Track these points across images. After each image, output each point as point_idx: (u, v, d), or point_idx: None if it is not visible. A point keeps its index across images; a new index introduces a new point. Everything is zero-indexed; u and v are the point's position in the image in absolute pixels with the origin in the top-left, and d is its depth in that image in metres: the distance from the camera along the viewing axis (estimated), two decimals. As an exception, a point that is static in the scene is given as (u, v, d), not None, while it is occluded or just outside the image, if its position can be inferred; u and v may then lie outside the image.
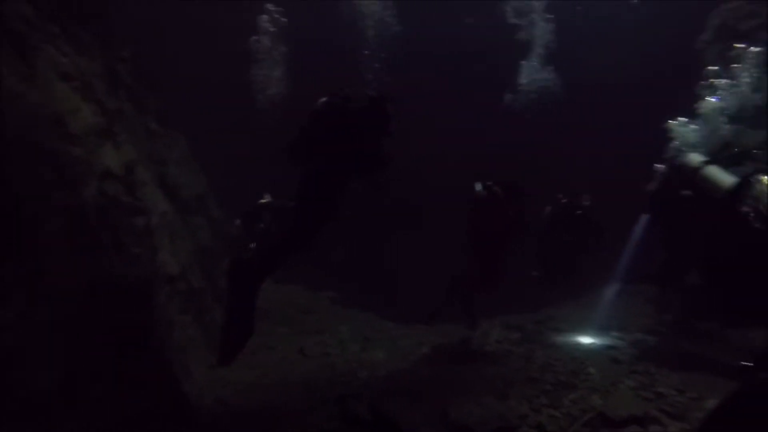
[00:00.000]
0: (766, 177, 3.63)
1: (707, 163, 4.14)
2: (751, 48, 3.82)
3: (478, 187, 5.30)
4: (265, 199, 6.79)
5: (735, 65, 4.12)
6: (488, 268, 5.43)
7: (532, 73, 6.96)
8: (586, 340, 5.74)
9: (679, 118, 4.55)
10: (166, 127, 5.76)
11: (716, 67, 4.26)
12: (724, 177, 3.95)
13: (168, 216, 4.42)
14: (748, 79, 3.66)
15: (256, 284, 3.66)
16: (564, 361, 4.86)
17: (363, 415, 3.49)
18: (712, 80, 4.09)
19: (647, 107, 4.91)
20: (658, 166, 5.07)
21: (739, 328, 4.89)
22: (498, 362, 4.93)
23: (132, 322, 3.04)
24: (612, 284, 6.21)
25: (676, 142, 4.61)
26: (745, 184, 3.70)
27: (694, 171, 4.18)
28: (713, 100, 4.06)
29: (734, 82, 3.88)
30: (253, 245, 5.62)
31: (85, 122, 2.81)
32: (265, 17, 6.35)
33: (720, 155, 4.08)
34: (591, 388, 4.14)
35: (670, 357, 4.84)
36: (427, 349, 5.58)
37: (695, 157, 4.26)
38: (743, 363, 3.19)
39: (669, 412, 3.60)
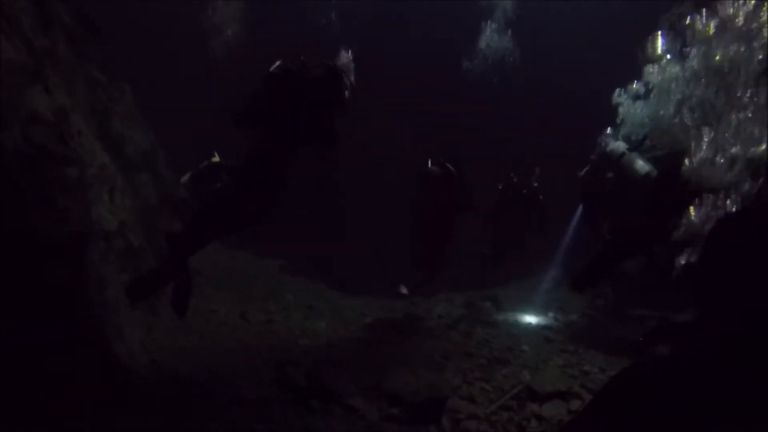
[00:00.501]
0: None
1: (629, 150, 4.50)
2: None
3: (430, 164, 5.34)
4: (216, 159, 6.57)
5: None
6: (433, 247, 5.52)
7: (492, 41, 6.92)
8: (524, 318, 5.99)
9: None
10: (112, 78, 5.43)
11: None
12: (640, 164, 4.34)
13: (107, 170, 4.19)
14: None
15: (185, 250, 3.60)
16: (501, 338, 5.06)
17: (299, 382, 3.50)
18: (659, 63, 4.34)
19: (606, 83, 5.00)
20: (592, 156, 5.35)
21: (671, 312, 5.21)
22: (438, 337, 5.06)
23: (58, 279, 2.89)
24: (551, 269, 6.44)
25: (621, 119, 4.89)
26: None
27: (618, 158, 4.53)
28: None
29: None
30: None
31: (6, 60, 2.58)
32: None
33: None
34: (523, 364, 4.33)
35: (598, 339, 5.13)
36: (369, 320, 5.65)
37: (619, 145, 4.62)
38: (636, 340, 3.43)
39: (590, 388, 3.81)
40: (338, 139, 3.88)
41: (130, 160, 5.33)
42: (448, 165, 5.33)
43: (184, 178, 6.63)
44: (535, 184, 6.40)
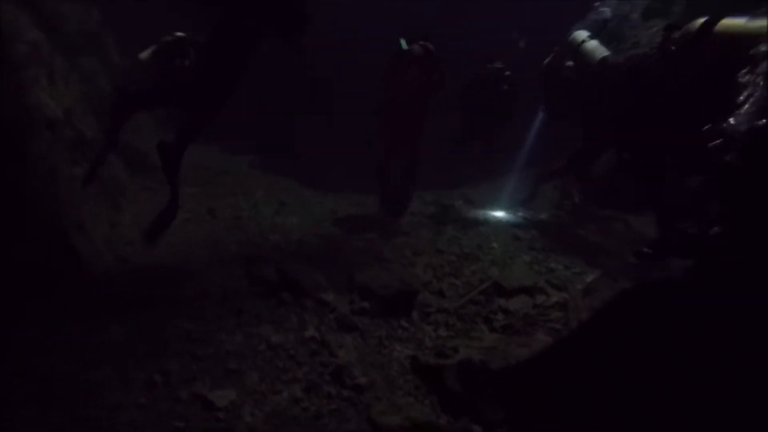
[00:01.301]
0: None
1: (590, 38, 4.60)
2: None
3: (404, 44, 4.99)
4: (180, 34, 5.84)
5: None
6: (404, 137, 5.34)
7: None
8: (494, 216, 6.05)
9: None
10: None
11: None
12: (598, 50, 4.44)
13: (42, 49, 3.72)
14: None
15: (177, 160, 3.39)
16: (471, 236, 5.11)
17: (268, 276, 3.48)
18: None
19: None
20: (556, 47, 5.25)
21: (635, 214, 5.33)
22: (409, 233, 5.07)
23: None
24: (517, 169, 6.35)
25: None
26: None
27: (578, 46, 4.62)
28: None
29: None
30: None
31: None
32: None
33: None
34: (491, 261, 4.41)
35: (565, 238, 5.25)
36: (341, 216, 5.60)
37: (581, 33, 4.72)
38: (642, 251, 3.48)
39: (554, 284, 3.94)
40: (307, 22, 3.48)
41: (71, 41, 4.76)
42: (427, 44, 5.03)
43: (144, 53, 5.84)
44: (507, 73, 6.00)
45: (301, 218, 5.28)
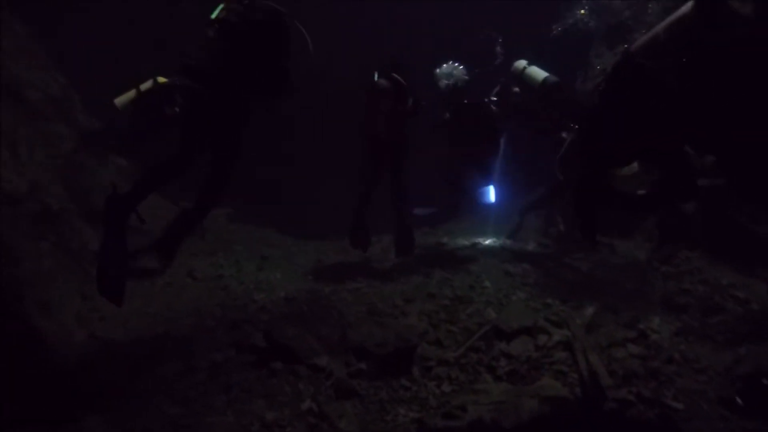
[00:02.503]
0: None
1: (529, 64, 5.15)
2: None
3: (378, 77, 5.01)
4: (162, 79, 5.59)
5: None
6: (397, 169, 5.30)
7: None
8: (482, 251, 5.95)
9: None
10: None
11: None
12: (538, 73, 5.00)
13: (2, 119, 3.56)
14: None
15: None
16: (461, 275, 4.99)
17: (257, 343, 3.28)
18: None
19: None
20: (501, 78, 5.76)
21: (622, 238, 5.31)
22: (398, 279, 4.92)
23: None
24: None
25: None
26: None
27: (521, 73, 5.18)
28: None
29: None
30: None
31: None
32: None
33: None
34: (486, 301, 4.28)
35: (557, 269, 5.18)
36: (326, 265, 5.44)
37: (521, 62, 5.24)
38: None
39: (554, 321, 3.82)
40: (292, 91, 3.48)
41: (34, 108, 4.60)
42: (395, 75, 5.05)
43: (122, 99, 5.44)
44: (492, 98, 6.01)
45: (285, 272, 5.09)
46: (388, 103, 4.96)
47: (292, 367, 3.01)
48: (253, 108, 3.44)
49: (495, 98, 5.77)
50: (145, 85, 5.44)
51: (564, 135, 5.34)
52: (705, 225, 4.49)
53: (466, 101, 5.72)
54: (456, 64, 5.71)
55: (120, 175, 6.75)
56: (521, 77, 5.23)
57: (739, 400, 2.39)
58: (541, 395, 2.83)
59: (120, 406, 2.73)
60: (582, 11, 6.86)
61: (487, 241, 6.44)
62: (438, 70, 5.70)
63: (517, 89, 5.52)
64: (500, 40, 6.13)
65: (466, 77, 5.69)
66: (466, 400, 2.81)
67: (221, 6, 3.36)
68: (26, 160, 3.88)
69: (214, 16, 3.33)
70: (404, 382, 3.05)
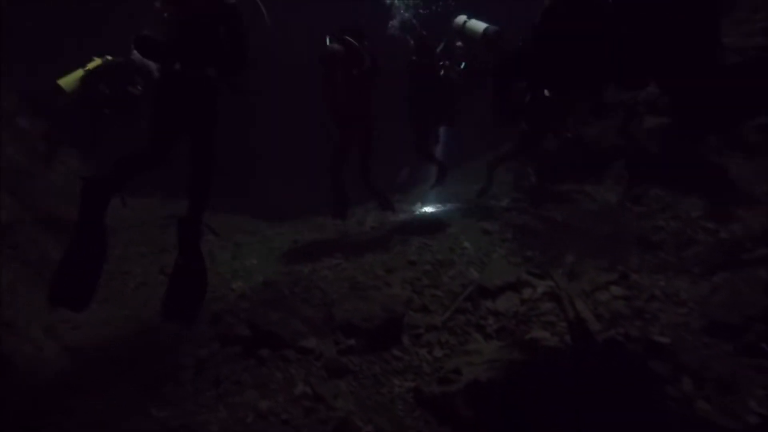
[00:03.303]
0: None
1: (469, 17, 5.25)
2: None
3: (330, 42, 4.82)
4: (110, 58, 5.21)
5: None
6: (359, 135, 5.17)
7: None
8: (459, 213, 5.94)
9: None
10: None
11: None
12: (478, 25, 5.12)
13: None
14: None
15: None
16: (440, 239, 4.96)
17: (241, 333, 3.19)
18: None
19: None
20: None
21: (592, 183, 5.35)
22: (376, 250, 4.87)
23: None
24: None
25: None
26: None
27: (462, 27, 5.26)
28: None
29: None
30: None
31: None
32: None
33: None
34: (467, 262, 4.28)
35: (533, 222, 5.21)
36: (302, 245, 5.33)
37: (460, 17, 5.31)
38: None
39: (536, 273, 3.84)
40: (251, 64, 3.28)
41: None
42: (348, 38, 4.88)
43: (67, 79, 4.97)
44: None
45: (261, 257, 4.96)
46: (340, 67, 4.78)
47: (280, 352, 2.94)
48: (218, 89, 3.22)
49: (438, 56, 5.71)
50: (93, 64, 5.12)
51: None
52: (670, 161, 4.57)
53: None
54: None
55: (73, 177, 6.41)
56: (463, 31, 5.32)
57: (765, 347, 2.47)
58: (532, 348, 2.85)
59: (104, 415, 2.61)
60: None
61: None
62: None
63: (459, 44, 5.60)
64: None
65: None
66: (459, 362, 2.81)
67: None
68: (-35, 172, 3.59)
69: None
70: (396, 353, 3.03)
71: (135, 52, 4.97)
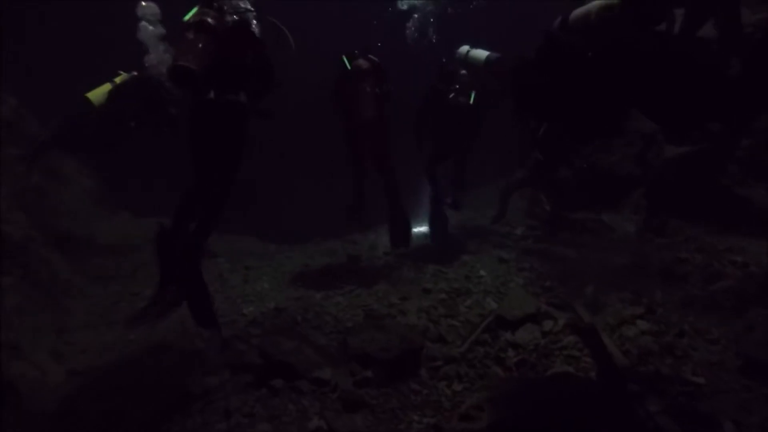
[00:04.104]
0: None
1: (472, 48, 5.49)
2: None
3: (346, 61, 4.84)
4: (139, 74, 5.23)
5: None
6: (377, 150, 5.07)
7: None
8: (473, 241, 5.83)
9: None
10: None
11: None
12: (481, 54, 5.37)
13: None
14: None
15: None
16: (455, 266, 4.86)
17: (253, 361, 3.08)
18: None
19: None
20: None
21: (609, 212, 5.24)
22: (390, 276, 4.76)
23: None
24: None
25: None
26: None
27: (465, 57, 5.50)
28: None
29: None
30: None
31: None
32: None
33: None
34: (484, 291, 4.17)
35: (550, 250, 5.10)
36: (314, 269, 5.24)
37: (462, 48, 5.55)
38: None
39: (556, 304, 3.73)
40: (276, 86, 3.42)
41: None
42: (371, 56, 4.92)
43: (98, 93, 5.06)
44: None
45: (272, 281, 4.87)
46: (372, 83, 4.78)
47: (294, 383, 2.82)
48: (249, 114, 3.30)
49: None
50: (120, 78, 5.22)
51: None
52: (691, 192, 4.47)
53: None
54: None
55: (86, 195, 6.42)
56: (466, 61, 5.53)
57: None
58: (556, 384, 2.72)
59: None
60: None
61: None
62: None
63: (464, 72, 5.69)
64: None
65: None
66: (480, 397, 2.68)
67: (195, 9, 3.17)
68: (-21, 189, 3.57)
69: (187, 18, 3.12)
70: (414, 386, 2.89)
71: (149, 67, 5.12)
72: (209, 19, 3.02)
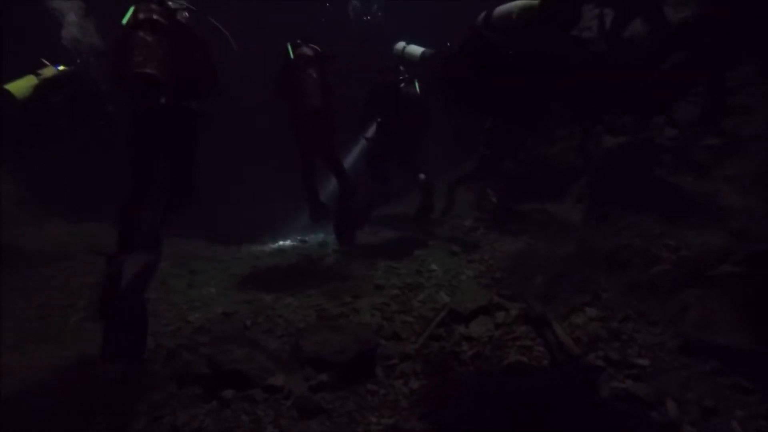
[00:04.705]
0: None
1: (407, 44, 5.76)
2: None
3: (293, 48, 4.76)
4: (67, 67, 4.86)
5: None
6: (323, 140, 5.00)
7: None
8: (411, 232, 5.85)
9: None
10: None
11: None
12: (416, 49, 5.62)
13: None
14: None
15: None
16: (406, 261, 4.86)
17: (200, 372, 2.92)
18: None
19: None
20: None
21: (553, 203, 5.40)
22: (340, 273, 4.70)
23: None
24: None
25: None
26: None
27: (401, 52, 5.76)
28: None
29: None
30: None
31: None
32: None
33: None
34: (437, 284, 4.18)
35: (497, 241, 5.20)
36: (262, 270, 5.08)
37: (400, 43, 5.83)
38: None
39: (507, 295, 3.80)
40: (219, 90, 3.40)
41: None
42: (313, 45, 4.86)
43: (19, 85, 4.61)
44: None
45: (219, 285, 4.68)
46: (317, 71, 4.66)
47: (246, 392, 2.70)
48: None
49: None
50: (48, 72, 4.76)
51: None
52: (629, 180, 4.68)
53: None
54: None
55: (16, 204, 5.93)
56: (403, 56, 5.78)
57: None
58: (513, 377, 2.76)
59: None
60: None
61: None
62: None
63: (402, 67, 5.78)
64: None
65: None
66: (438, 394, 2.67)
67: (132, 9, 3.03)
68: None
69: (125, 21, 3.00)
70: (370, 387, 2.85)
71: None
72: (161, 19, 2.92)
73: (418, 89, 5.60)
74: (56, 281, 4.89)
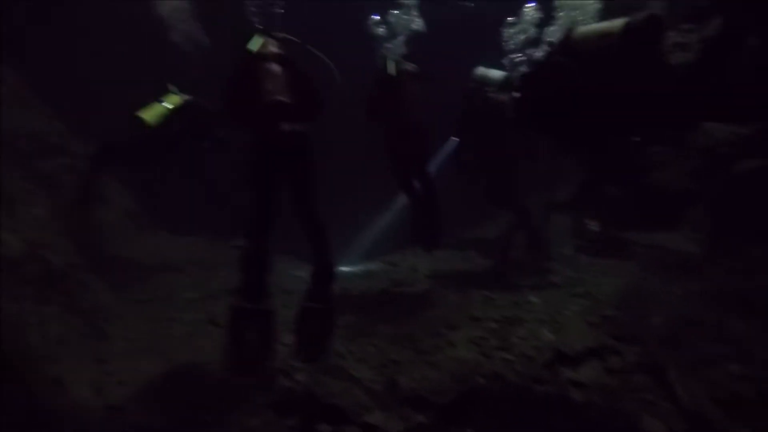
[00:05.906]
0: None
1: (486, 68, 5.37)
2: None
3: (391, 65, 4.69)
4: (181, 96, 5.32)
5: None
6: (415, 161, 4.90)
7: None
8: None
9: None
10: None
11: None
12: (498, 73, 5.19)
13: (-5, 178, 3.24)
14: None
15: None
16: (501, 290, 4.60)
17: (298, 400, 2.90)
18: None
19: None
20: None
21: (664, 232, 4.90)
22: (435, 302, 4.53)
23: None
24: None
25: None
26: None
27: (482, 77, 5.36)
28: None
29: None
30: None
31: None
32: None
33: None
34: (537, 319, 3.88)
35: (604, 273, 4.78)
36: (355, 294, 5.05)
37: (478, 68, 5.37)
38: None
39: (620, 336, 3.43)
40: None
41: (22, 153, 4.27)
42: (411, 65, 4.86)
43: (151, 113, 5.10)
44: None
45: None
46: (414, 90, 4.71)
47: (341, 427, 2.63)
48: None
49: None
50: (174, 100, 5.25)
51: None
52: (761, 209, 4.10)
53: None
54: None
55: (128, 218, 6.43)
56: (483, 81, 5.45)
57: None
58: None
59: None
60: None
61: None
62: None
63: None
64: None
65: None
66: (548, 448, 2.42)
67: (258, 37, 3.31)
68: (23, 216, 3.54)
69: (255, 49, 3.24)
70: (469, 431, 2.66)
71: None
72: (282, 52, 3.20)
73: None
74: (161, 293, 5.20)
